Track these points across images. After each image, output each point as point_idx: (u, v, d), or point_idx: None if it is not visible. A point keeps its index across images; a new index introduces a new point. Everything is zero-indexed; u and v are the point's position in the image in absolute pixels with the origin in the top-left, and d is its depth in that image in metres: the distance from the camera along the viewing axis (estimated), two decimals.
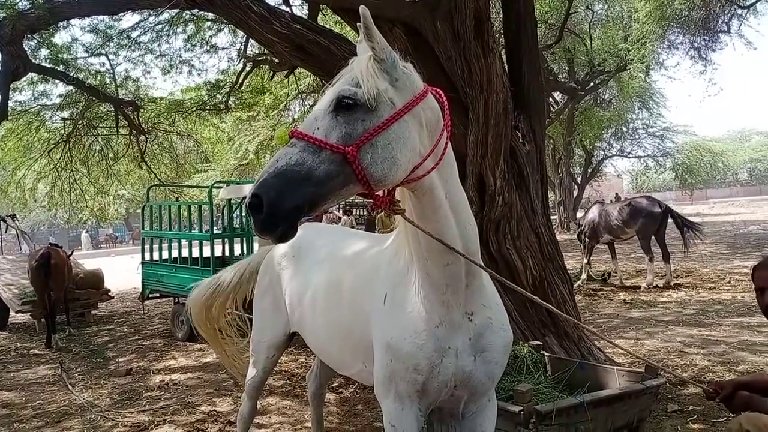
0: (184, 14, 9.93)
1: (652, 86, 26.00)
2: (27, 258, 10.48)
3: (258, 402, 3.98)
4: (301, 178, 1.67)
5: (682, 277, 11.09)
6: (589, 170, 31.92)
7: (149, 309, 11.62)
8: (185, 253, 9.32)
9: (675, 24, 14.88)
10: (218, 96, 12.75)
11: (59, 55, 10.02)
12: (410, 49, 4.59)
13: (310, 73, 10.72)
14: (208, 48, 11.50)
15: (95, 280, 11.32)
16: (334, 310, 2.79)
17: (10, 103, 10.14)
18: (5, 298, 10.44)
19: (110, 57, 10.85)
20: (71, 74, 10.44)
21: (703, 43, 15.47)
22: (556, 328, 4.92)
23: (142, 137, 13.30)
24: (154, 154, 15.55)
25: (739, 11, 14.17)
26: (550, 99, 22.72)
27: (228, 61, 12.66)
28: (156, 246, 9.79)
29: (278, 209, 1.64)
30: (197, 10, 7.94)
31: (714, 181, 49.28)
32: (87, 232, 42.24)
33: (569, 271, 5.60)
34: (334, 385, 5.78)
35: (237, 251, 9.48)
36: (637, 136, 31.23)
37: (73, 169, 14.27)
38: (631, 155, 33.13)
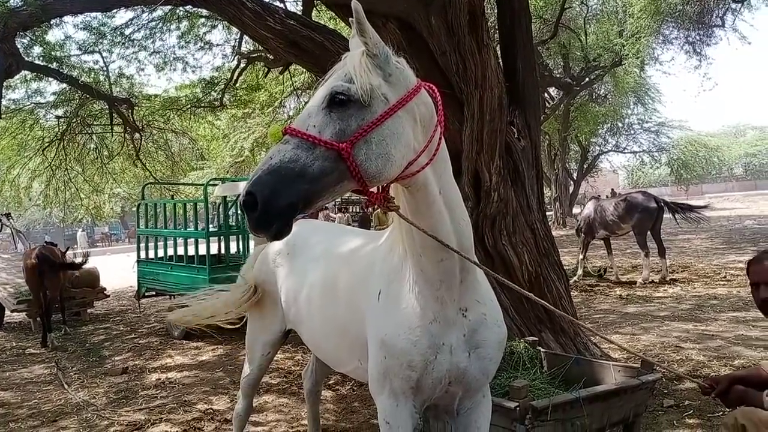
0: (177, 11, 9.89)
1: (647, 81, 26.08)
2: (22, 257, 10.44)
3: (254, 400, 3.97)
4: (295, 175, 1.66)
5: (677, 273, 11.12)
6: (585, 166, 32.04)
7: (145, 307, 11.58)
8: (181, 251, 9.30)
9: (669, 19, 14.90)
10: (213, 93, 12.71)
11: (52, 53, 9.98)
12: (404, 44, 4.56)
13: (305, 70, 10.71)
14: (203, 45, 11.47)
15: (91, 278, 11.30)
16: (330, 307, 2.79)
17: (4, 101, 10.07)
18: (0, 297, 10.41)
19: (104, 54, 10.83)
20: (65, 72, 10.39)
21: (697, 37, 15.50)
22: (552, 323, 4.92)
23: (136, 135, 13.27)
24: (149, 152, 15.52)
25: (733, 5, 14.20)
26: (546, 94, 22.71)
27: (222, 58, 12.63)
28: (152, 244, 9.76)
29: (273, 207, 1.63)
30: (191, 6, 7.91)
31: (709, 176, 49.54)
32: (83, 230, 42.10)
33: (565, 267, 5.61)
34: (330, 382, 5.77)
35: (233, 249, 9.46)
36: (632, 132, 31.37)
37: (68, 167, 14.22)
38: (626, 151, 33.31)
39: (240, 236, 9.60)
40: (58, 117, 13.00)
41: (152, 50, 11.13)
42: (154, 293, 9.87)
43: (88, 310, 11.44)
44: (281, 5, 7.72)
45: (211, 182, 10.01)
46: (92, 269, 11.59)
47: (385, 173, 1.76)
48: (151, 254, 9.72)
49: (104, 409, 5.58)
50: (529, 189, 5.12)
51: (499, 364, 2.37)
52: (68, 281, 10.29)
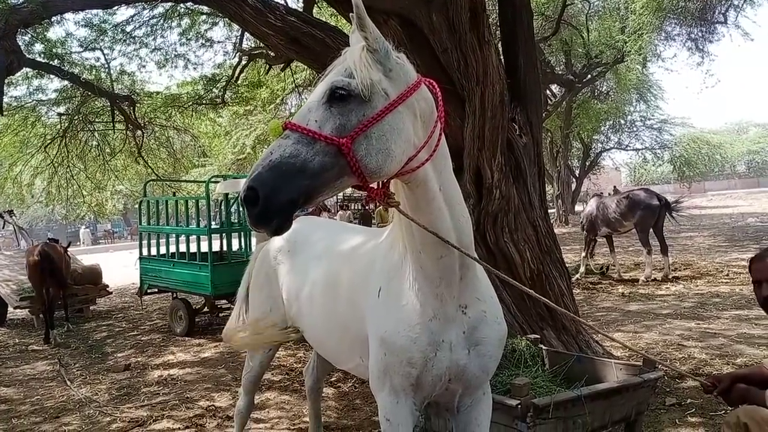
0: (178, 8, 9.88)
1: (649, 78, 25.96)
2: (25, 254, 10.46)
3: (256, 397, 3.97)
4: (296, 171, 1.65)
5: (680, 270, 11.09)
6: (587, 163, 31.96)
7: (147, 304, 11.61)
8: (183, 248, 9.31)
9: (672, 15, 14.82)
10: (215, 90, 12.71)
11: (54, 50, 9.97)
12: (405, 41, 4.55)
13: (306, 67, 10.68)
14: (204, 42, 11.46)
15: (93, 275, 11.32)
16: (332, 304, 2.79)
17: (6, 99, 10.08)
18: (3, 294, 10.44)
19: (105, 51, 10.81)
20: (66, 69, 10.38)
21: (700, 34, 15.42)
22: (554, 321, 4.91)
23: (138, 132, 13.27)
24: (151, 149, 15.52)
25: (736, 2, 14.13)
26: (548, 91, 22.70)
27: (224, 55, 12.63)
28: (154, 241, 9.77)
29: (273, 202, 1.63)
30: (191, 3, 7.89)
31: (712, 174, 49.42)
32: (86, 227, 42.23)
33: (567, 265, 5.59)
34: (332, 379, 5.78)
35: (235, 246, 9.47)
36: (634, 129, 31.27)
37: (70, 164, 14.24)
38: (629, 148, 33.20)
39: (242, 233, 9.60)
40: (59, 114, 13.00)
41: (153, 47, 11.13)
42: (156, 290, 9.88)
43: (91, 307, 11.46)
44: (282, 2, 7.70)
45: (213, 179, 10.00)
46: (95, 266, 11.62)
47: (385, 169, 1.76)
48: (154, 251, 9.73)
49: (106, 405, 5.59)
50: (531, 186, 5.11)
51: (499, 361, 2.36)
52: (71, 278, 10.30)
